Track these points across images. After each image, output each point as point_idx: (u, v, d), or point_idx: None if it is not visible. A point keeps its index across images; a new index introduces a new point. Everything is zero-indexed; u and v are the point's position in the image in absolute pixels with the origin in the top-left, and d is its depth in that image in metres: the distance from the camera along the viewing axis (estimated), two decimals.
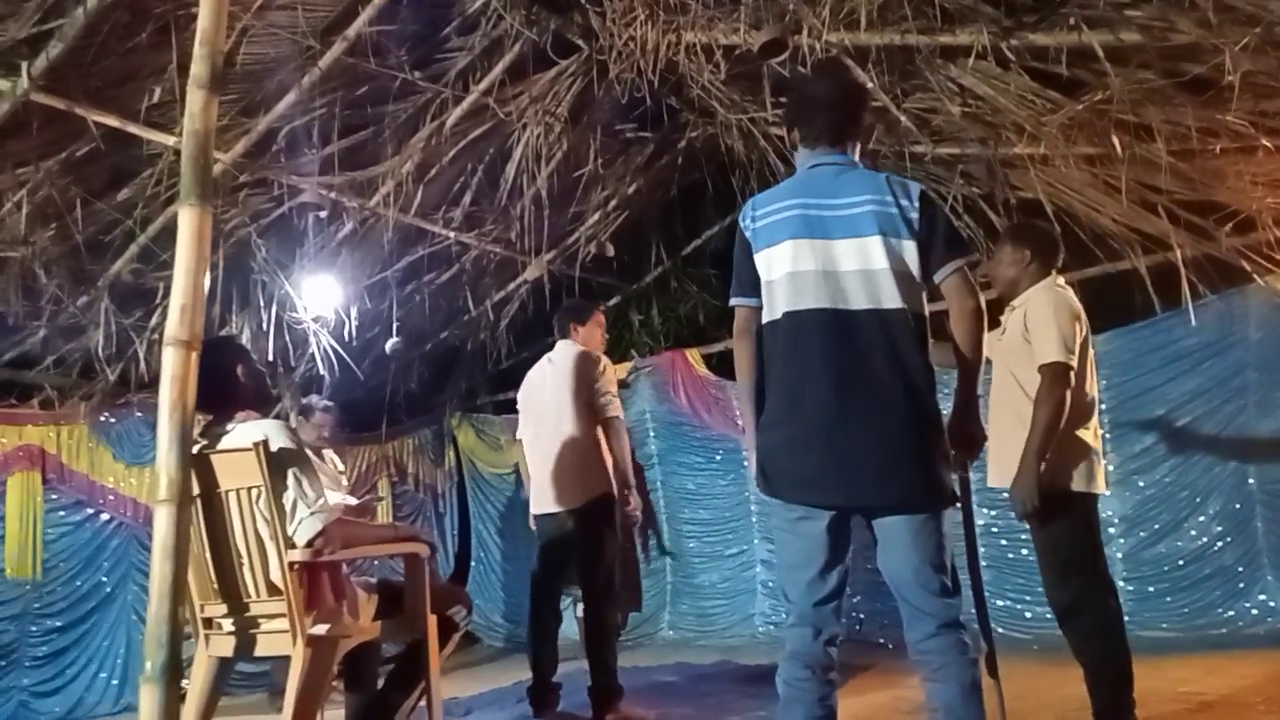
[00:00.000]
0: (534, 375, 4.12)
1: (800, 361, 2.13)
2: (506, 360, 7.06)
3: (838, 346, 2.10)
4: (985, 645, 2.30)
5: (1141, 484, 4.82)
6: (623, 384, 6.64)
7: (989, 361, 3.39)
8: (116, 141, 4.18)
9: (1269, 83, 3.49)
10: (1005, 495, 5.22)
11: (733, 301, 2.31)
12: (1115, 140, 3.88)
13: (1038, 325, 2.89)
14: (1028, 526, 4.19)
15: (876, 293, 2.11)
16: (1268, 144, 3.76)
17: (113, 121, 4.04)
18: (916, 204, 2.16)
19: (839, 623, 2.15)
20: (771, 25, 3.94)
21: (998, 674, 2.26)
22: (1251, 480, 4.59)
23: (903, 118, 4.47)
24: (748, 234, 2.26)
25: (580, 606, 4.14)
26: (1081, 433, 2.90)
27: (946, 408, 2.24)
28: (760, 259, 2.23)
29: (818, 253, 2.14)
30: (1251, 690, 3.45)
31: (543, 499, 3.93)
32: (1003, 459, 2.99)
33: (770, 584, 5.94)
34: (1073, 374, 2.82)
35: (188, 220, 2.49)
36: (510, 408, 7.43)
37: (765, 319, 2.23)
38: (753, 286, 2.25)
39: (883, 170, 4.85)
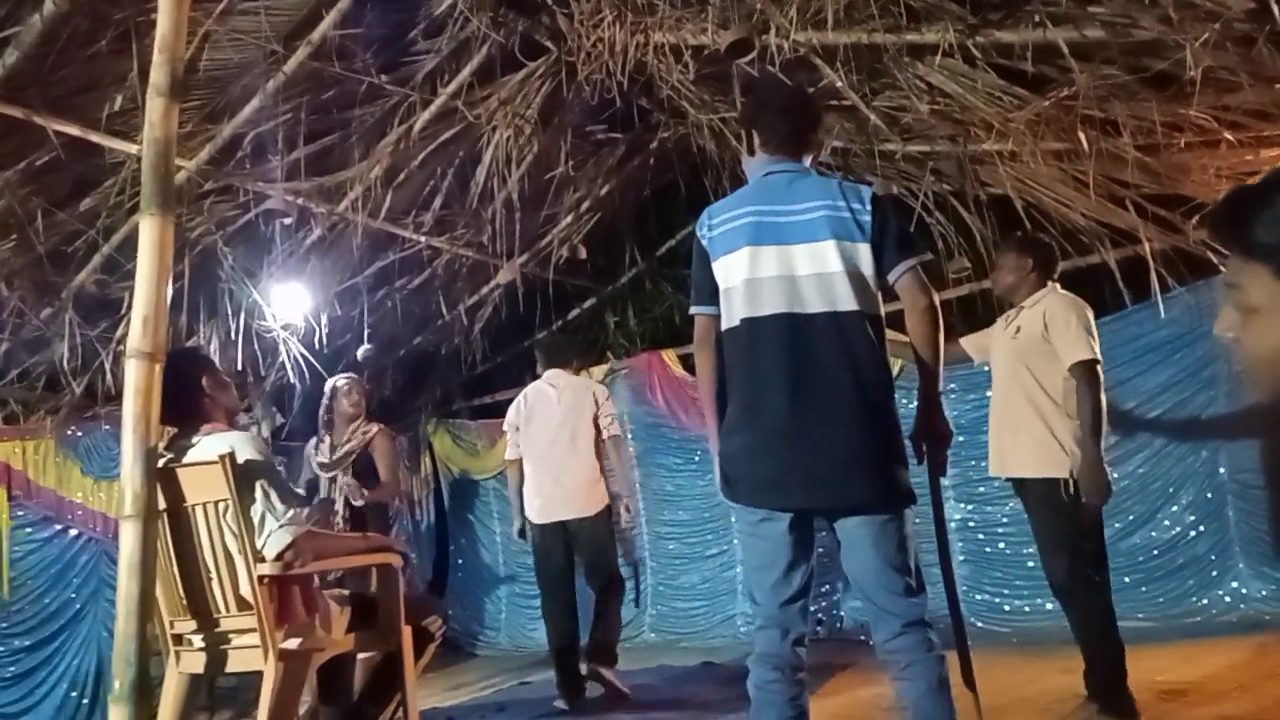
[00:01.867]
0: (534, 399, 4.52)
1: (758, 366, 2.16)
2: (481, 365, 7.01)
3: (795, 350, 2.12)
4: (960, 654, 2.29)
5: (1116, 475, 4.77)
6: None
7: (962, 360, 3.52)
8: (78, 150, 4.10)
9: (1229, 77, 3.52)
10: (983, 490, 5.29)
11: (692, 310, 2.34)
12: (1082, 136, 3.91)
13: (1063, 326, 3.04)
14: (1005, 519, 4.25)
15: (832, 296, 2.14)
16: (1230, 137, 3.80)
17: (73, 130, 3.97)
18: (868, 207, 2.19)
19: (806, 623, 2.17)
20: (739, 25, 3.93)
21: (974, 685, 2.26)
22: (1222, 470, 4.64)
23: (872, 116, 4.48)
24: (704, 242, 2.29)
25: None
26: None
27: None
28: (718, 266, 2.25)
29: (774, 258, 2.17)
30: (1225, 677, 3.48)
31: (554, 509, 4.36)
32: (1012, 449, 3.14)
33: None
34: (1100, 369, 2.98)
35: (149, 230, 2.45)
36: (487, 412, 7.46)
37: (724, 326, 2.25)
38: (711, 295, 2.28)
39: (854, 169, 4.90)
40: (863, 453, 2.09)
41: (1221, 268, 4.31)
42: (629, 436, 6.56)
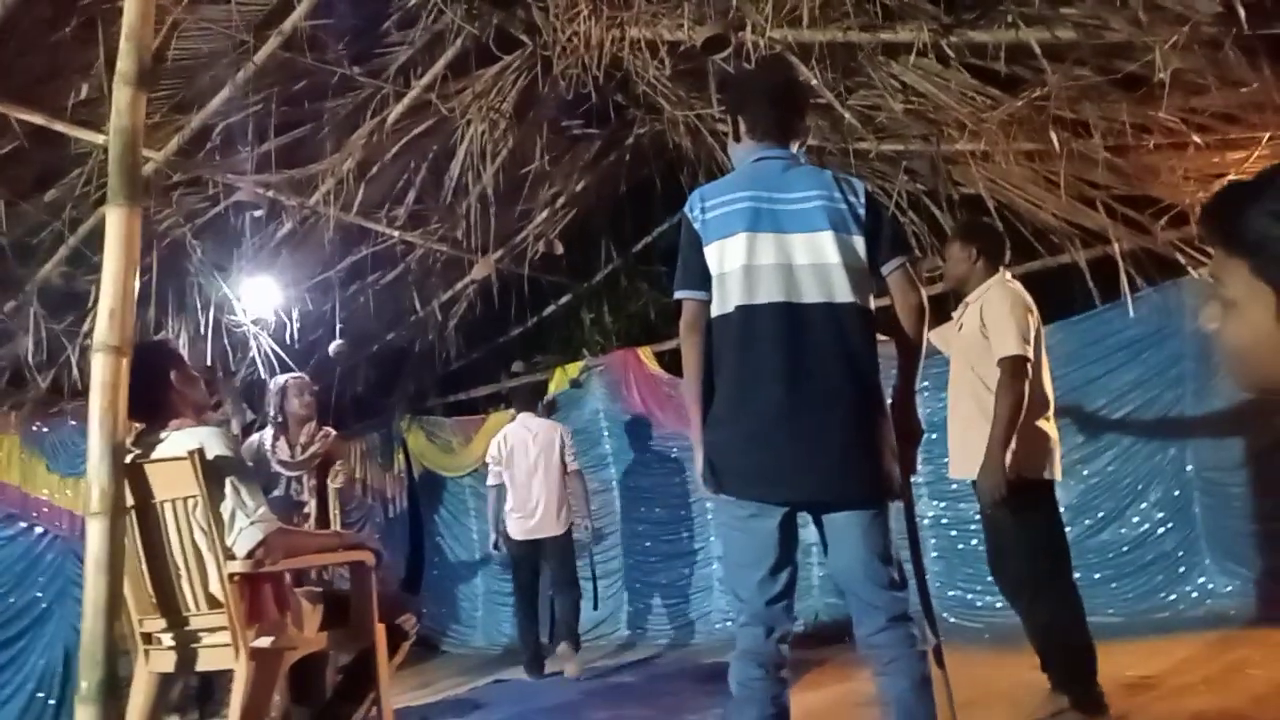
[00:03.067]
0: (514, 439, 5.51)
1: (753, 355, 2.11)
2: (456, 361, 6.98)
3: (791, 340, 2.09)
4: (933, 637, 2.31)
5: (1085, 473, 4.92)
6: (575, 384, 6.64)
7: (933, 354, 3.54)
8: (42, 140, 4.03)
9: (1197, 80, 3.57)
10: (955, 487, 5.33)
11: (681, 294, 2.23)
12: (1053, 136, 3.95)
13: (995, 320, 2.99)
14: (978, 516, 4.24)
15: (829, 287, 2.12)
16: (1198, 140, 3.85)
17: (38, 119, 3.90)
18: (863, 200, 2.20)
19: (791, 620, 2.14)
20: (714, 21, 3.93)
21: (944, 663, 2.28)
22: (1190, 467, 4.69)
23: (847, 114, 4.50)
24: (696, 225, 2.21)
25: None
26: (1042, 423, 3.02)
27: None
28: (711, 251, 2.18)
29: (772, 246, 2.13)
30: (1192, 671, 3.54)
31: (532, 529, 5.38)
32: (964, 450, 3.09)
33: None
34: (1030, 366, 2.93)
35: (116, 221, 2.41)
36: (461, 409, 7.42)
37: (715, 312, 2.18)
38: (703, 280, 2.19)
39: (829, 167, 4.92)
40: (858, 445, 2.08)
41: (1189, 269, 4.40)
42: (604, 434, 6.59)
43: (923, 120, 4.46)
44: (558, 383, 6.78)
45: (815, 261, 2.12)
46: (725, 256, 2.16)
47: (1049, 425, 3.06)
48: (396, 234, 5.54)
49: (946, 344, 3.40)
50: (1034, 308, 3.07)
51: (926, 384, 5.23)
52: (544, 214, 5.96)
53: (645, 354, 6.48)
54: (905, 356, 2.24)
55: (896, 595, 2.09)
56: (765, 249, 2.13)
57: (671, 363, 6.36)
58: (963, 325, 3.17)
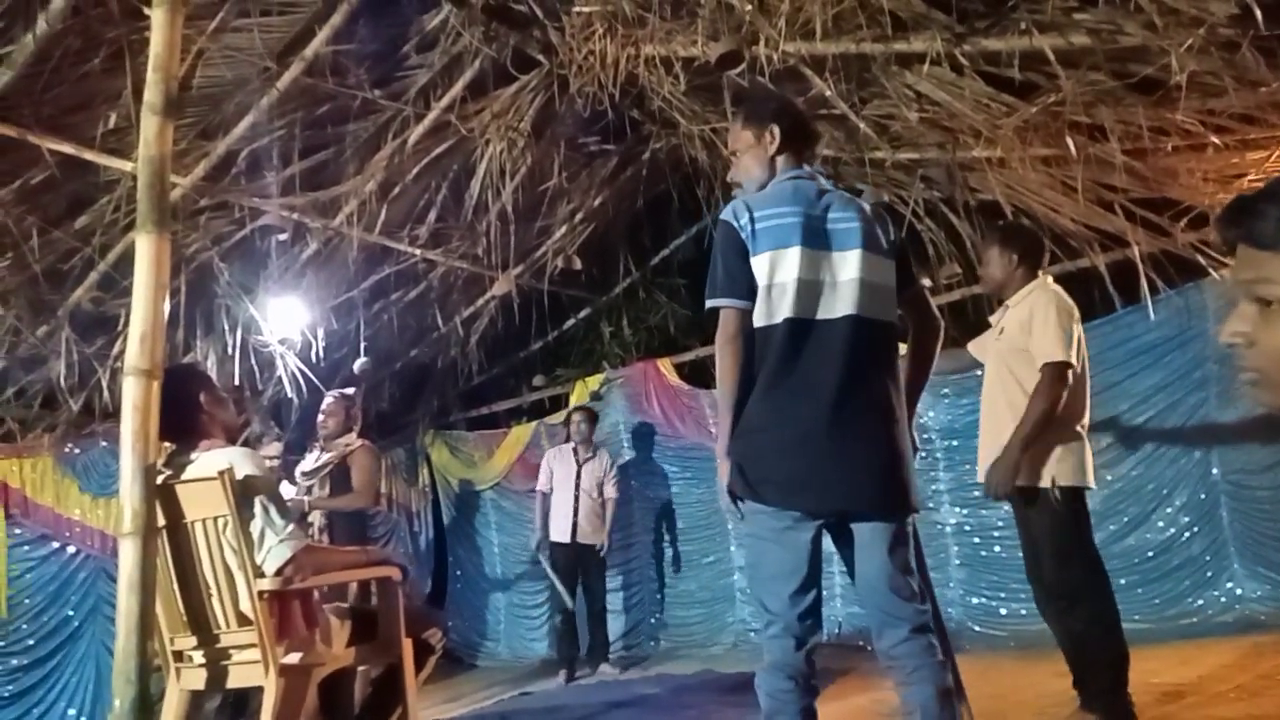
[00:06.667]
0: (560, 456, 6.02)
1: (802, 367, 2.14)
2: (478, 376, 7.03)
3: (840, 354, 2.14)
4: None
5: (1109, 478, 4.88)
6: (595, 396, 6.68)
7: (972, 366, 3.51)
8: (73, 168, 4.12)
9: (1214, 82, 3.55)
10: (978, 494, 5.30)
11: (723, 303, 2.19)
12: (1070, 141, 3.94)
13: (1040, 324, 2.98)
14: (1001, 523, 4.21)
15: (871, 304, 2.18)
16: (1216, 141, 3.83)
17: (68, 148, 3.99)
18: (890, 223, 2.28)
19: (819, 632, 2.17)
20: (728, 37, 3.96)
21: (963, 691, 2.30)
22: (1215, 471, 4.66)
23: (862, 124, 4.51)
24: (743, 235, 2.19)
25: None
26: (1080, 429, 3.03)
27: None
28: (759, 262, 2.17)
29: (822, 262, 2.18)
30: (1222, 678, 3.49)
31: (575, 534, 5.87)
32: (992, 458, 3.06)
33: (748, 590, 5.95)
34: (1072, 373, 2.92)
35: (145, 247, 2.47)
36: (484, 424, 7.49)
37: (759, 323, 2.17)
38: (749, 289, 2.17)
39: (845, 177, 4.94)
40: (895, 458, 2.15)
41: (1211, 270, 4.37)
42: (624, 446, 6.63)
43: (938, 128, 4.46)
44: (578, 395, 6.83)
45: (862, 279, 2.17)
46: (777, 268, 2.15)
47: (1085, 432, 3.05)
48: (418, 253, 5.61)
49: (984, 351, 3.36)
50: (1077, 314, 3.07)
51: (945, 391, 5.23)
52: (563, 229, 6.01)
53: (665, 365, 6.51)
54: (919, 374, 2.32)
55: (918, 607, 2.12)
56: (817, 265, 2.17)
57: (691, 374, 6.38)
58: (1003, 329, 3.14)
